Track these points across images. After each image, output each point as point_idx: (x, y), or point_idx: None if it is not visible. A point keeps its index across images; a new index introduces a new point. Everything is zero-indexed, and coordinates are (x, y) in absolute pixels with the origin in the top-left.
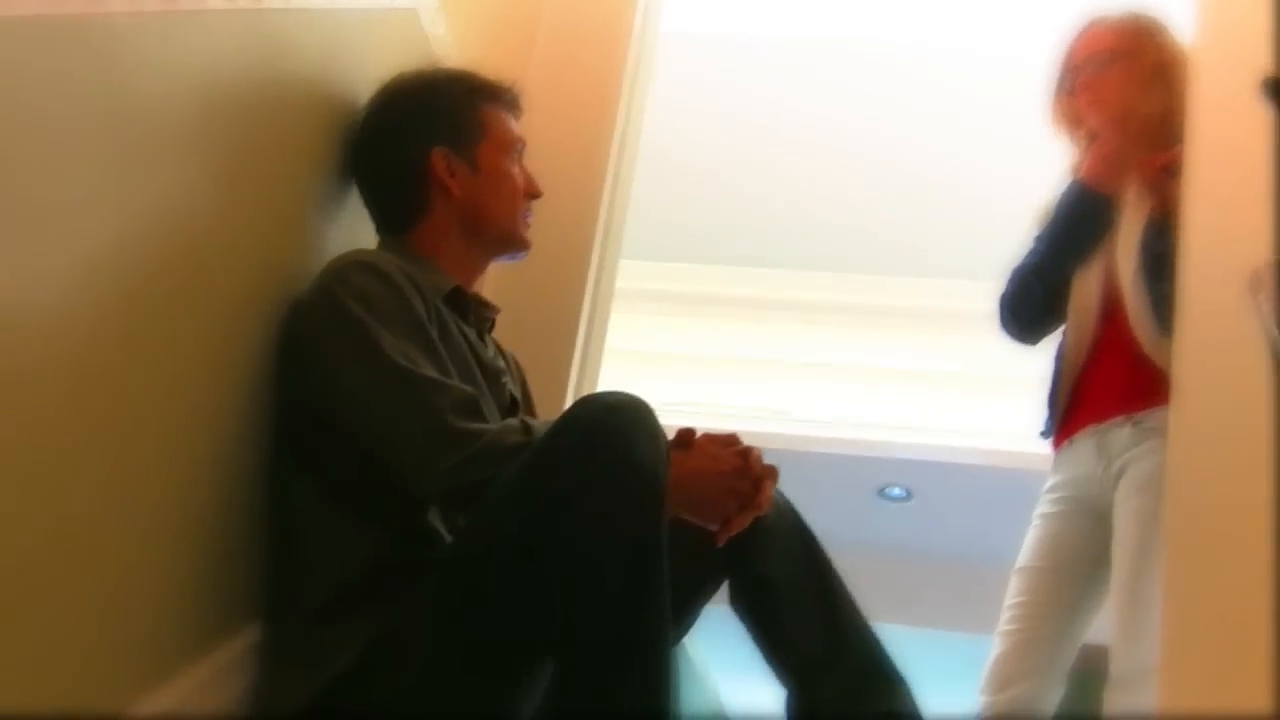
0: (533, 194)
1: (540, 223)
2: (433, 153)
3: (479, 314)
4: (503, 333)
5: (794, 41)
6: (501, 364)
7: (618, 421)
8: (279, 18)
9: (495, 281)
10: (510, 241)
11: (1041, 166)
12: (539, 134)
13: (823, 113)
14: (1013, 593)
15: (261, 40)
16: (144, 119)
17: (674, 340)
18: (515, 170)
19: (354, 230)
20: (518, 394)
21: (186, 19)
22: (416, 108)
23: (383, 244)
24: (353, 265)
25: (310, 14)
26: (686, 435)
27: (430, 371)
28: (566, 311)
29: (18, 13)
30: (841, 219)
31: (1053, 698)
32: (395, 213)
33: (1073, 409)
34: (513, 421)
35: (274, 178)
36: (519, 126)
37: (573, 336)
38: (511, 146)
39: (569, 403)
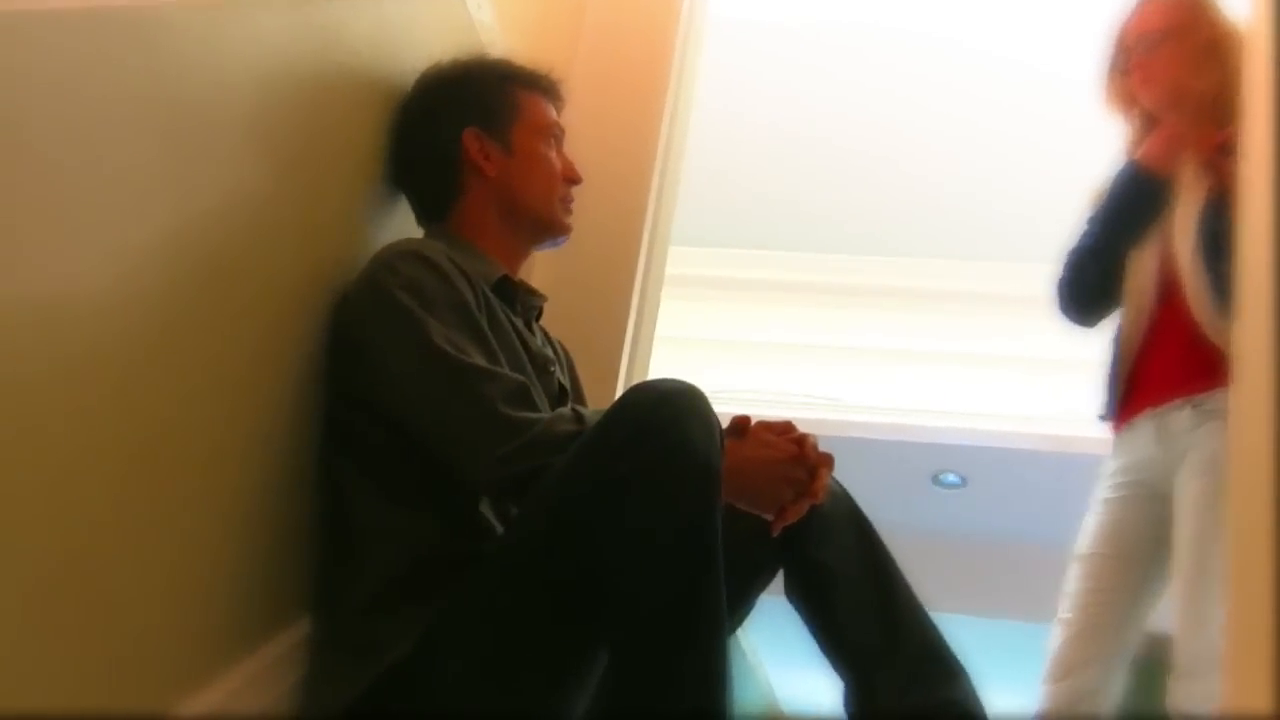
0: (571, 179)
1: (589, 210)
2: (465, 133)
3: (526, 302)
4: (551, 321)
5: (851, 26)
6: (550, 353)
7: (671, 409)
8: (328, 6)
9: (544, 270)
10: (549, 226)
11: (1096, 149)
12: (587, 121)
13: (874, 97)
14: (1073, 579)
15: (311, 29)
16: (195, 110)
17: (725, 327)
18: (552, 155)
19: (403, 221)
20: (566, 383)
21: (236, 8)
22: (449, 90)
23: (427, 234)
24: (400, 254)
25: (358, 2)
26: (741, 423)
27: (480, 360)
28: (616, 299)
29: (69, 5)
30: (893, 202)
31: (1115, 686)
32: (431, 197)
33: (1131, 392)
34: (564, 410)
35: (324, 169)
36: (560, 116)
37: (623, 324)
38: (547, 131)
39: (620, 391)
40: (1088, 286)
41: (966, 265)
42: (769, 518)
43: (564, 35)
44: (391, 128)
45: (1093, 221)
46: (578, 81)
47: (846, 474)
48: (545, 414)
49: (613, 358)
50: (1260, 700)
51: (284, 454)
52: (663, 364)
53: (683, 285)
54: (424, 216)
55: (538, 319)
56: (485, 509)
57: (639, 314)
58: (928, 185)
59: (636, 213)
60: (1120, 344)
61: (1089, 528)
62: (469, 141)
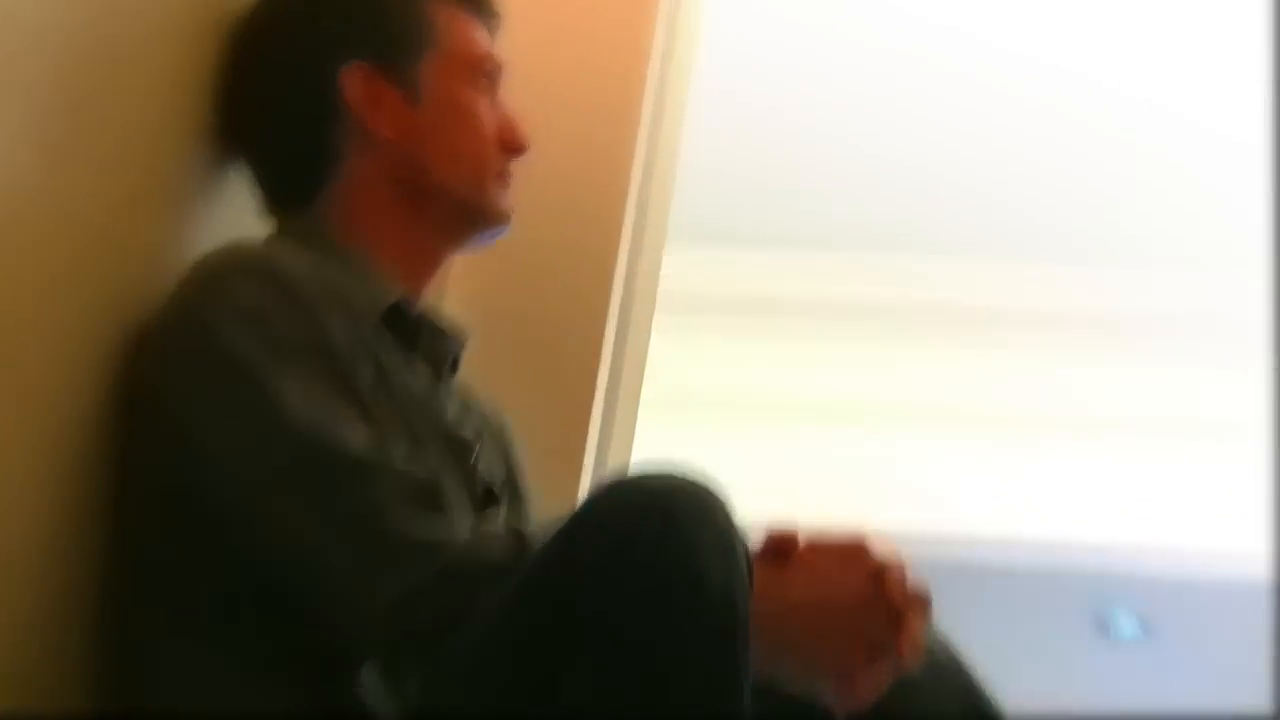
0: (512, 145)
1: (542, 195)
2: (344, 71)
3: (436, 343)
4: (478, 372)
5: None
6: (471, 427)
7: (668, 519)
8: None
9: (465, 288)
10: (477, 214)
11: None
12: (538, 75)
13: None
14: None
15: None
16: None
17: (753, 374)
18: (483, 104)
19: (240, 210)
20: (499, 475)
21: None
22: (319, 10)
23: (280, 231)
24: (233, 268)
25: None
26: (783, 542)
27: (359, 441)
28: (581, 330)
29: None
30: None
31: None
32: (286, 172)
33: None
34: (494, 527)
35: (110, 131)
36: (498, 45)
37: (591, 372)
38: (477, 66)
39: (587, 488)
40: None
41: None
42: (830, 694)
43: None
44: (222, 63)
45: None
46: (523, 20)
47: (960, 620)
48: (465, 529)
49: (575, 429)
50: None
51: (51, 566)
52: (655, 435)
53: (687, 308)
54: (274, 202)
55: (453, 370)
56: (366, 679)
57: (617, 354)
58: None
59: (613, 194)
60: None
61: None
62: (351, 83)
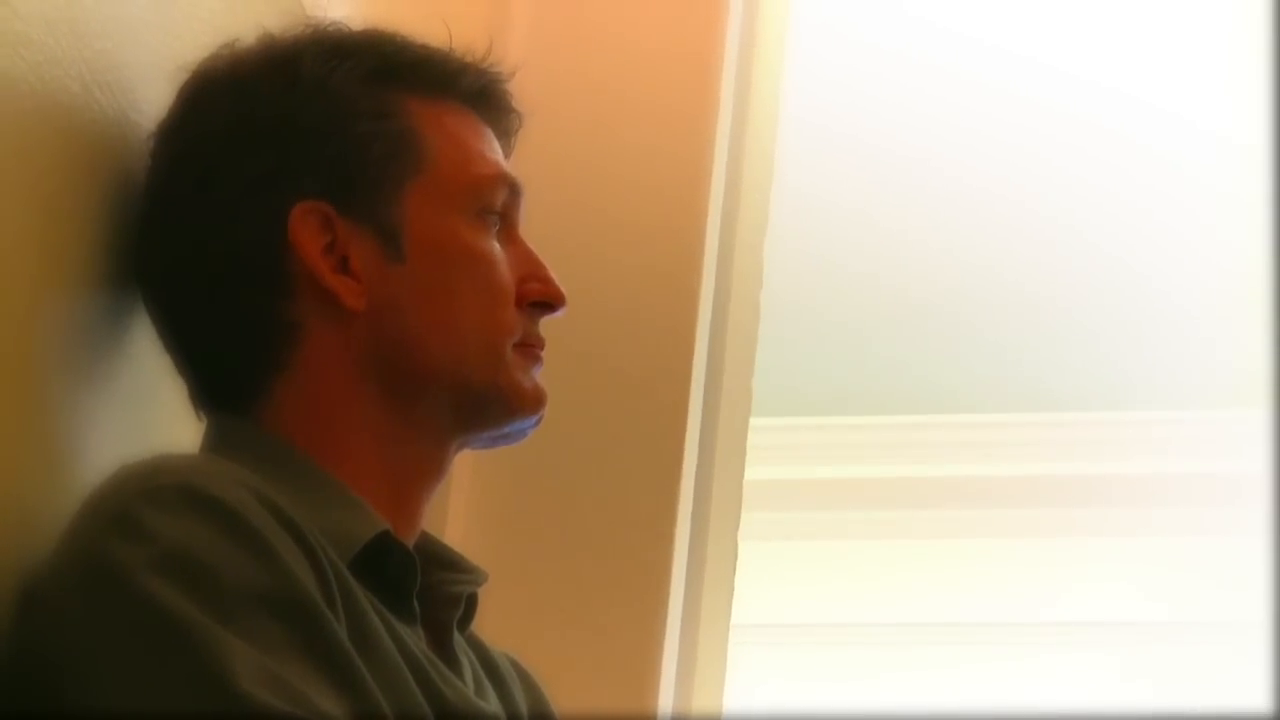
0: (540, 300)
1: (584, 359)
2: (293, 214)
3: (438, 588)
4: (497, 621)
5: None
6: (492, 697)
7: None
8: None
9: (475, 500)
10: (491, 401)
11: None
12: (557, 168)
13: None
14: None
15: None
16: None
17: (892, 585)
18: (492, 246)
19: (163, 408)
20: None
21: None
22: (254, 116)
23: (217, 438)
24: (152, 494)
25: None
26: None
27: (338, 716)
28: (645, 545)
29: None
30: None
31: None
32: (224, 357)
33: None
34: None
35: None
36: (512, 153)
37: (659, 604)
38: (482, 194)
39: None
40: None
41: None
42: None
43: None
44: (140, 203)
45: None
46: (535, 87)
47: None
48: None
49: (645, 670)
50: None
51: None
52: (754, 666)
53: (793, 500)
54: (208, 398)
55: (465, 620)
56: None
57: (694, 573)
58: None
59: (678, 350)
60: None
61: None
62: (304, 231)
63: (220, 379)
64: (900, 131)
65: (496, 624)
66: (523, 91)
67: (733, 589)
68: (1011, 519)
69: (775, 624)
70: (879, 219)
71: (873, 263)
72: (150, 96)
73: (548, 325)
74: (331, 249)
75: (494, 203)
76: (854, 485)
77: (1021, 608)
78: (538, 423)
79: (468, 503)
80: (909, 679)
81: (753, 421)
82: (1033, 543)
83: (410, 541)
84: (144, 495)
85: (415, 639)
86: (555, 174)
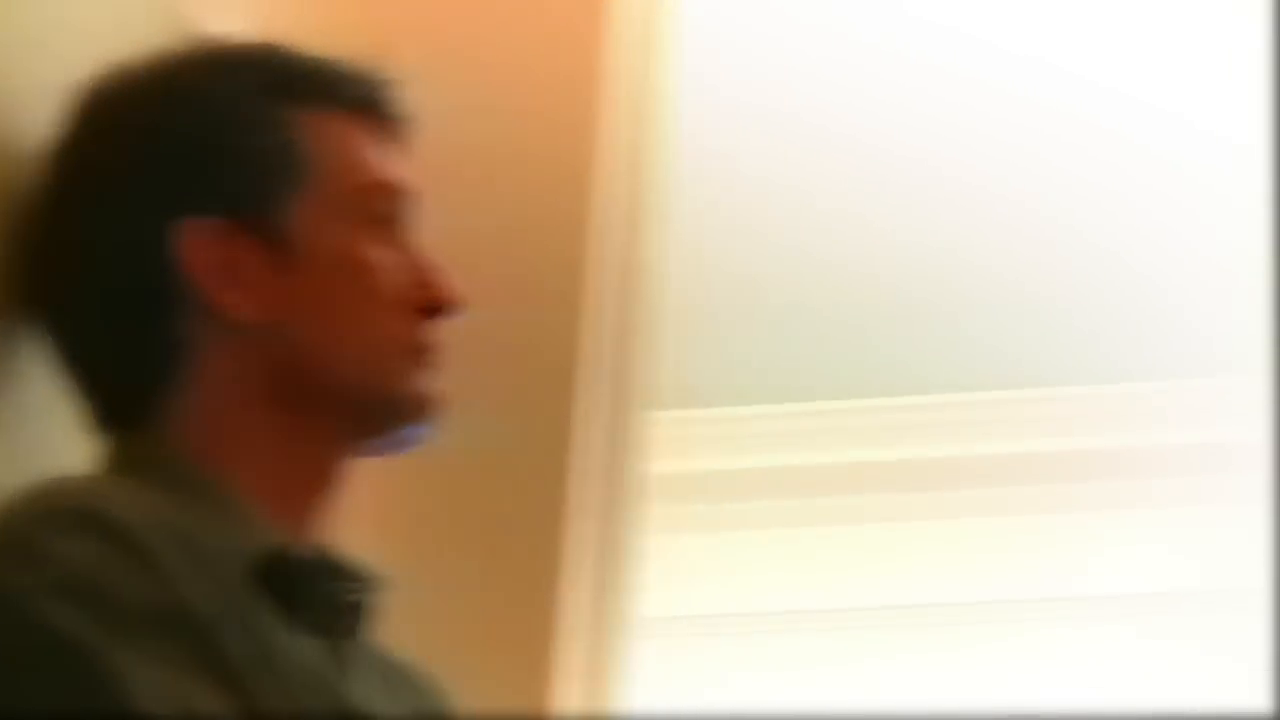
0: (433, 305)
1: (465, 356)
2: (184, 231)
3: (335, 598)
4: (400, 623)
5: None
6: (391, 708)
7: None
8: None
9: (381, 503)
10: (386, 407)
11: None
12: (448, 172)
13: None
14: None
15: None
16: None
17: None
18: (383, 253)
19: (51, 428)
20: None
21: None
22: (143, 137)
23: (113, 458)
24: (46, 518)
25: None
26: None
27: None
28: (535, 542)
29: None
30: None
31: None
32: (118, 376)
33: None
34: None
35: None
36: (398, 160)
37: (558, 601)
38: (372, 200)
39: None
40: None
41: None
42: None
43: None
44: (25, 223)
45: None
46: (429, 80)
47: None
48: None
49: (535, 682)
50: None
51: None
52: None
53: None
54: (103, 417)
55: (364, 629)
56: None
57: (596, 571)
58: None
59: (568, 355)
60: None
61: None
62: (192, 246)
63: (116, 398)
64: (899, 131)
65: (396, 630)
66: (412, 97)
67: (635, 582)
68: (1008, 496)
69: (753, 613)
70: (887, 226)
71: (875, 261)
72: (40, 117)
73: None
74: (222, 263)
75: (382, 210)
76: (853, 469)
77: (1024, 585)
78: (434, 428)
79: (365, 510)
80: (910, 661)
81: (727, 411)
82: (1032, 520)
83: (307, 551)
84: (40, 519)
85: (314, 649)
86: (447, 178)
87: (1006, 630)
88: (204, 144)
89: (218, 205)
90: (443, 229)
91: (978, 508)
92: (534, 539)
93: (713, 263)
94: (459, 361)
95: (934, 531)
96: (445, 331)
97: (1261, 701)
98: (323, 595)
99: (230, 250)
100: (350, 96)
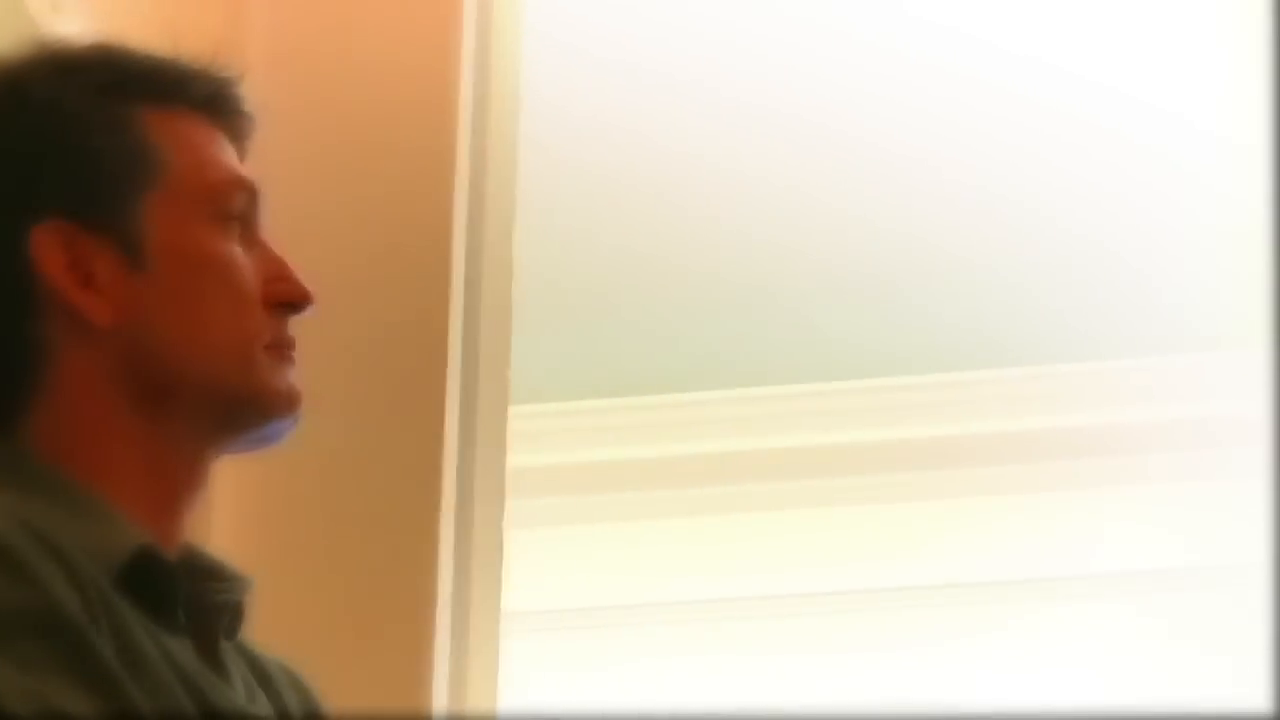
0: (286, 299)
1: (325, 352)
2: (36, 236)
3: (202, 599)
4: (269, 625)
5: None
6: (260, 708)
7: None
8: None
9: (242, 501)
10: (245, 404)
11: None
12: (299, 167)
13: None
14: None
15: None
16: None
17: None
18: (234, 250)
19: None
20: None
21: None
22: None
23: None
24: None
25: None
26: None
27: None
28: (408, 542)
29: None
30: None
31: None
32: None
33: None
34: None
35: None
36: (242, 157)
37: (427, 600)
38: (221, 198)
39: None
40: None
41: None
42: None
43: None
44: None
45: None
46: (277, 76)
47: None
48: None
49: (414, 681)
50: None
51: None
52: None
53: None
54: None
55: (231, 630)
56: None
57: (461, 569)
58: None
59: (434, 350)
60: None
61: None
62: (45, 249)
63: None
64: (901, 131)
65: (265, 630)
66: (259, 93)
67: (501, 578)
68: (1004, 475)
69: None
70: (885, 217)
71: (874, 242)
72: None
73: (302, 325)
74: (75, 266)
75: (232, 207)
76: (841, 450)
77: (1021, 563)
78: (295, 423)
79: (230, 509)
80: (901, 644)
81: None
82: (1029, 498)
83: (174, 553)
84: None
85: (184, 650)
86: (298, 173)
87: (1004, 610)
88: (50, 148)
89: (66, 208)
90: (301, 226)
91: (972, 487)
92: (404, 534)
93: (694, 248)
94: (323, 357)
95: (927, 512)
96: (310, 327)
97: (1261, 700)
98: (189, 596)
99: (83, 252)
100: (196, 94)
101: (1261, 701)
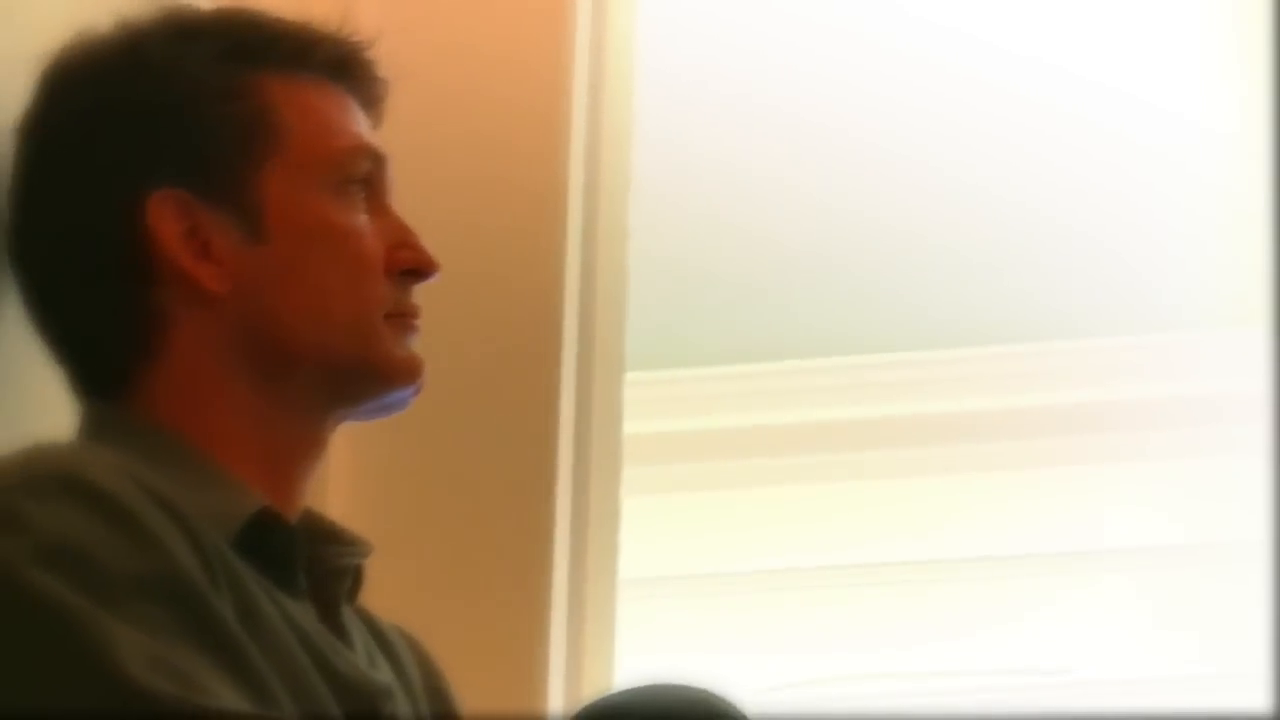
0: (410, 268)
1: (443, 321)
2: (151, 202)
3: (323, 561)
4: (385, 589)
5: None
6: (382, 670)
7: None
8: None
9: (357, 470)
10: (365, 374)
11: None
12: (421, 135)
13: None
14: None
15: None
16: None
17: (794, 535)
18: (356, 219)
19: (32, 394)
20: None
21: None
22: (108, 107)
23: (92, 426)
24: (29, 485)
25: None
26: None
27: (229, 700)
28: (524, 506)
29: None
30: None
31: None
32: (94, 346)
33: None
34: None
35: None
36: (374, 123)
37: (545, 567)
38: (343, 167)
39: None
40: None
41: None
42: None
43: None
44: (2, 192)
45: None
46: (399, 43)
47: None
48: None
49: (529, 647)
50: None
51: None
52: (645, 626)
53: (677, 452)
54: (82, 386)
55: (352, 594)
56: None
57: (578, 535)
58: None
59: (547, 311)
60: None
61: None
62: (161, 218)
63: (93, 367)
64: (901, 130)
65: (383, 596)
66: (383, 59)
67: (617, 545)
68: (1006, 451)
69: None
70: (876, 215)
71: (885, 222)
72: (11, 89)
73: (418, 295)
74: (192, 235)
75: (355, 174)
76: (846, 426)
77: (1023, 539)
78: (416, 392)
79: (347, 476)
80: (910, 617)
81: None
82: (1031, 474)
83: (292, 517)
84: (21, 486)
85: (304, 614)
86: (420, 141)
87: (1003, 586)
88: (170, 115)
89: (187, 176)
90: (416, 195)
91: (975, 463)
92: (520, 501)
93: (724, 228)
94: (439, 325)
95: (933, 487)
96: (426, 296)
97: (1260, 698)
98: (310, 559)
99: (201, 221)
100: (322, 60)
101: (1259, 683)
